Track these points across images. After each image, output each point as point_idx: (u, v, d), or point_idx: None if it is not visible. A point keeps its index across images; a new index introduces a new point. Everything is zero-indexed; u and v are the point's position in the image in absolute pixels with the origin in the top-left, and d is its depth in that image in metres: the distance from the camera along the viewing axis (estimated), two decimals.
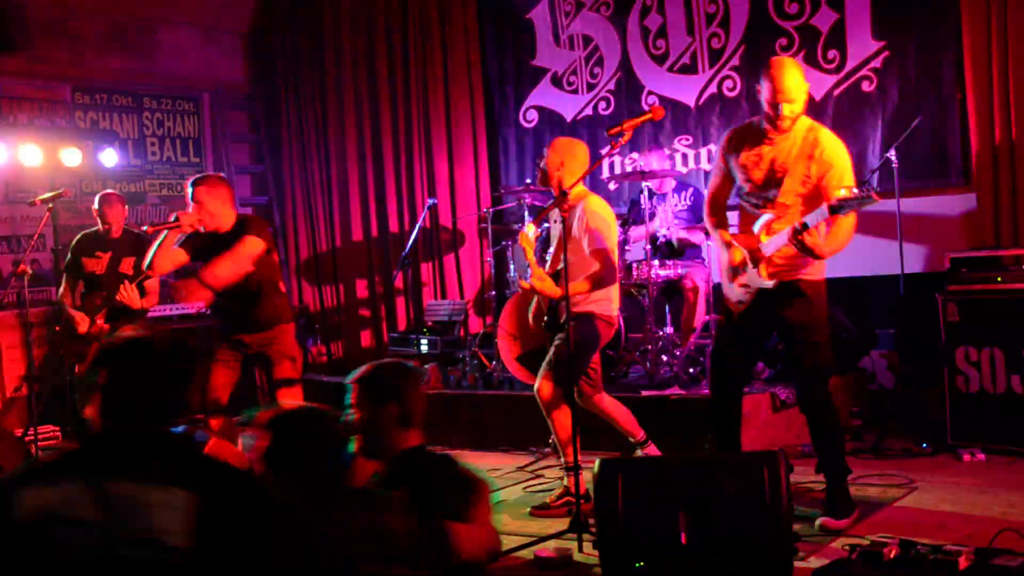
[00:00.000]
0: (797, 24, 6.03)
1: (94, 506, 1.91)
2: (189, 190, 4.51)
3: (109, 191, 6.01)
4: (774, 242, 3.73)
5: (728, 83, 6.29)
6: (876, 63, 5.80)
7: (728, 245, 3.92)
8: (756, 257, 3.81)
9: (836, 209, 3.50)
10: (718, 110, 6.20)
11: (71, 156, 6.68)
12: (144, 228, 4.81)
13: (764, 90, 3.71)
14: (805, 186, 3.73)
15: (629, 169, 6.60)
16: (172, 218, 4.47)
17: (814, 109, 6.01)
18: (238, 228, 4.45)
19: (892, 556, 3.12)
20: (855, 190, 3.45)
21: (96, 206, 5.81)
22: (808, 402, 3.91)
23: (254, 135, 8.63)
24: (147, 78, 7.71)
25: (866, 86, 5.85)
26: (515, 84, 7.18)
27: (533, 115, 7.16)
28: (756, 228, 3.83)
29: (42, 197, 5.93)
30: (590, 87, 6.89)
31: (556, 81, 7.03)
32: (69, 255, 5.83)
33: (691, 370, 5.55)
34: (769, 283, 3.78)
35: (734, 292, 3.94)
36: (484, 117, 7.39)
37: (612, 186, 6.45)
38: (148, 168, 7.77)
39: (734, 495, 3.15)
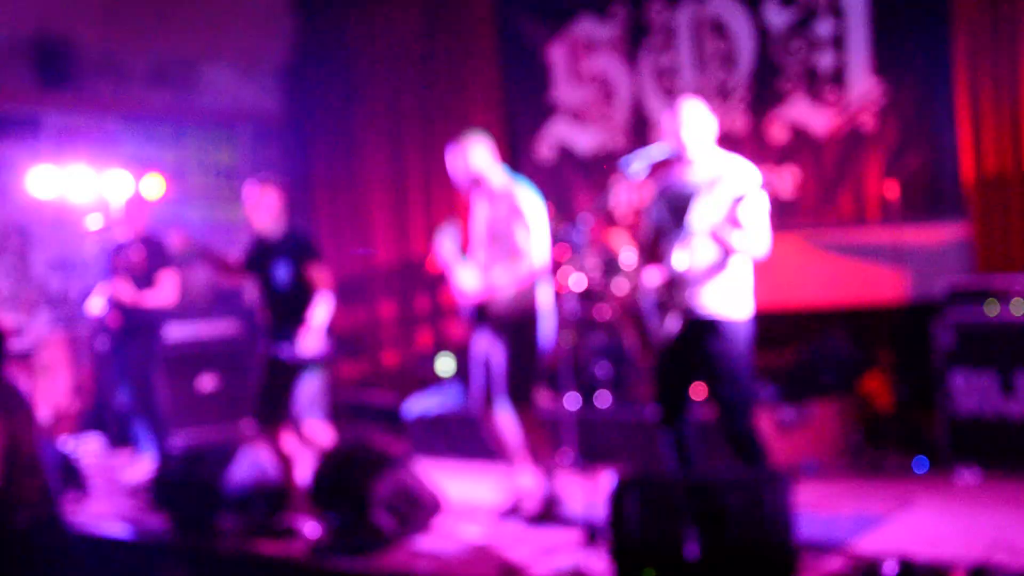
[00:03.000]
0: (800, 62, 6.27)
1: None
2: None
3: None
4: (692, 264, 3.87)
5: (737, 122, 6.54)
6: (876, 100, 6.01)
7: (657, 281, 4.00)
8: (675, 281, 3.89)
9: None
10: (726, 147, 6.44)
11: (116, 186, 7.01)
12: None
13: (668, 128, 4.02)
14: (717, 211, 3.81)
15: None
16: None
17: (814, 147, 6.29)
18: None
19: (890, 574, 3.27)
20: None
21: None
22: (734, 434, 3.85)
23: (289, 164, 8.96)
24: (189, 112, 8.02)
25: (866, 122, 6.06)
26: (531, 119, 7.35)
27: (548, 150, 7.36)
28: (673, 257, 3.89)
29: (89, 226, 6.30)
30: (603, 123, 7.16)
31: (571, 117, 7.29)
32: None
33: None
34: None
35: (664, 326, 3.95)
36: (502, 150, 7.64)
37: None
38: (187, 198, 8.08)
39: (739, 513, 3.23)
